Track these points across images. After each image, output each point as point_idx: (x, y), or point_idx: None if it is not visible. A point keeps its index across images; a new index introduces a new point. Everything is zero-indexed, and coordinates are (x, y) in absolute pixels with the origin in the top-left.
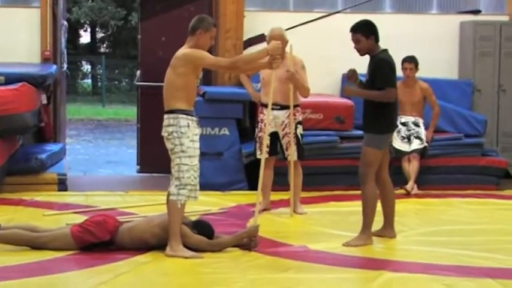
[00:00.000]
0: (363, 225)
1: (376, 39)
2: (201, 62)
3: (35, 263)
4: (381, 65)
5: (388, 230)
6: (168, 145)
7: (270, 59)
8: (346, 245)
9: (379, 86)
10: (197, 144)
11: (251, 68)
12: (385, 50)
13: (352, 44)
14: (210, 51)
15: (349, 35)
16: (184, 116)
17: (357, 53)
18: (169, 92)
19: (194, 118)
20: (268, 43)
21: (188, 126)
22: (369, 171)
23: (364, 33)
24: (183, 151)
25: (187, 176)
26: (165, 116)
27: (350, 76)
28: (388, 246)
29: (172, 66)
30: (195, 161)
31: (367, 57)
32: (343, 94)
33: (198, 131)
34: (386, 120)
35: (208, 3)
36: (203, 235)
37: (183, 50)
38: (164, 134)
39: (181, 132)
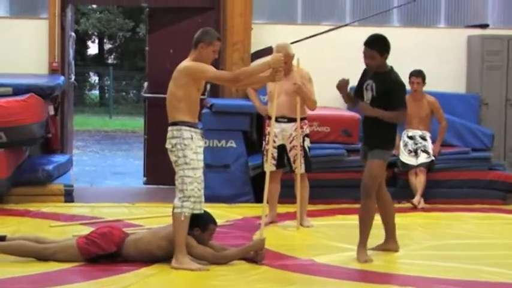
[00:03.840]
0: (364, 239)
1: (387, 57)
2: (202, 75)
3: (40, 274)
4: (397, 87)
5: (391, 244)
6: (172, 157)
7: (272, 71)
8: (367, 261)
9: (394, 108)
10: (201, 156)
11: (254, 81)
12: (392, 68)
13: (361, 57)
14: (216, 64)
15: (357, 48)
16: (187, 128)
17: (363, 66)
18: (172, 104)
19: (198, 130)
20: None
21: (192, 138)
22: (374, 185)
23: (381, 50)
24: (186, 163)
25: (190, 188)
26: (169, 128)
27: (341, 86)
28: (395, 260)
29: (174, 79)
30: (199, 173)
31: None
32: (350, 107)
33: (202, 143)
34: (392, 137)
35: (216, 16)
36: (207, 224)
37: (185, 63)
38: (168, 146)
39: (185, 145)
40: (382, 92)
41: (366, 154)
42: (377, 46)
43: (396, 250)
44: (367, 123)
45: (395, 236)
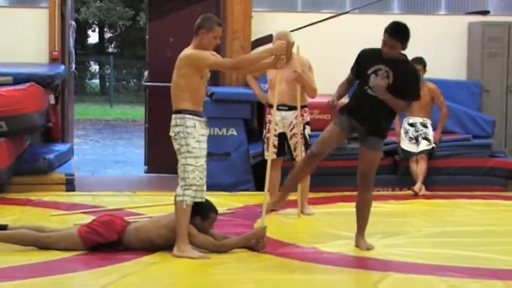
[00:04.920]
0: (362, 229)
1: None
2: (203, 63)
3: (42, 263)
4: (419, 78)
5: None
6: (175, 145)
7: (274, 59)
8: (369, 248)
9: (410, 98)
10: (204, 145)
11: (255, 68)
12: (407, 56)
13: (361, 44)
14: (217, 51)
15: (357, 36)
16: (190, 116)
17: None
18: (175, 93)
19: (202, 119)
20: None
21: (194, 126)
22: (373, 177)
23: (404, 42)
24: (188, 151)
25: (192, 176)
26: (173, 116)
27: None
28: (396, 247)
29: (176, 67)
30: (201, 162)
31: None
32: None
33: (205, 131)
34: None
35: (216, 4)
36: (208, 213)
37: (186, 51)
38: (171, 134)
39: (188, 133)
40: (402, 81)
41: (352, 130)
42: (401, 37)
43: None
44: (372, 109)
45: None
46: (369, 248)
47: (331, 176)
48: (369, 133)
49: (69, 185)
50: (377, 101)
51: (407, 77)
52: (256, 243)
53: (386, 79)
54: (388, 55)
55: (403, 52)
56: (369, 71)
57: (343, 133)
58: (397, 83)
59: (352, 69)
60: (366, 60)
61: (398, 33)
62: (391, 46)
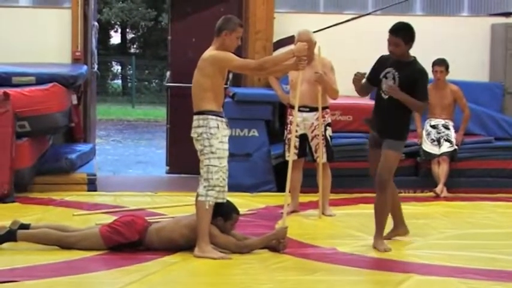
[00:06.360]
0: (378, 230)
1: (411, 46)
2: (228, 64)
3: (64, 262)
4: (424, 78)
5: (400, 229)
6: (198, 146)
7: (296, 60)
8: (387, 250)
9: (420, 99)
10: (226, 146)
11: (277, 69)
12: (416, 58)
13: (383, 46)
14: (238, 51)
15: (380, 37)
16: (213, 117)
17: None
18: (198, 94)
19: (223, 119)
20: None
21: (218, 127)
22: (390, 177)
23: (406, 38)
24: (212, 152)
25: (216, 177)
26: (195, 117)
27: (357, 80)
28: (417, 249)
29: (199, 68)
30: (224, 162)
31: None
32: (372, 96)
33: (227, 132)
34: (407, 127)
35: (238, 5)
36: (230, 213)
37: (210, 52)
38: (193, 135)
39: (211, 133)
40: (407, 82)
41: (377, 142)
42: (402, 34)
43: (406, 233)
44: (383, 111)
45: (403, 220)
46: (386, 250)
47: (352, 178)
48: (382, 136)
49: (91, 185)
50: (390, 104)
51: (414, 77)
52: (277, 244)
53: (392, 80)
54: (394, 54)
55: (412, 54)
56: (381, 75)
57: (376, 149)
58: (403, 84)
59: (369, 73)
60: (381, 64)
61: (400, 30)
62: (395, 44)
